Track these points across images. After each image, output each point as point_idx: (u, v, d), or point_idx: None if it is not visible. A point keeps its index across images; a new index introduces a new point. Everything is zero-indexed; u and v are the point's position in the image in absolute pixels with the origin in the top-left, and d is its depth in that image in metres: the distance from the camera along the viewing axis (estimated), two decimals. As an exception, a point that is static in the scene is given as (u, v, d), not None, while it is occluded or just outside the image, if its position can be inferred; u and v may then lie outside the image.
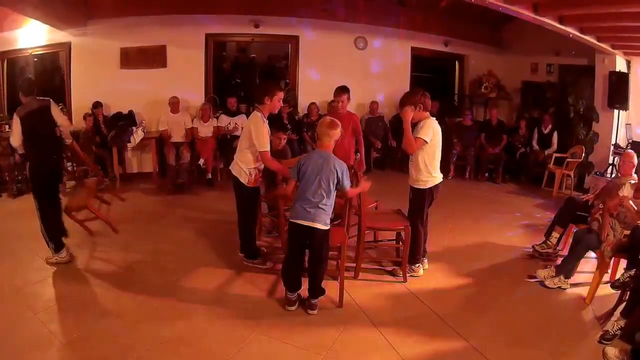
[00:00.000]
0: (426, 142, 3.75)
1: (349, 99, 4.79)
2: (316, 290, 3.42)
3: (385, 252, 4.56)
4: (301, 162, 3.33)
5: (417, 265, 4.09)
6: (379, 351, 2.99)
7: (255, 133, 3.73)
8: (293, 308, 3.44)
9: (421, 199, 3.91)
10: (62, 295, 3.54)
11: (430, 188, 3.86)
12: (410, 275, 4.02)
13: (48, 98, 4.05)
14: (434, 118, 3.86)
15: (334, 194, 3.31)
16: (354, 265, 4.01)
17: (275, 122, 6.90)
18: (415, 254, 4.04)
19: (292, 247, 3.40)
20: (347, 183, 3.30)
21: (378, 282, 3.97)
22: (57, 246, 4.00)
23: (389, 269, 4.16)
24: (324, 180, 3.22)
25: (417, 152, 3.79)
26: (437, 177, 3.88)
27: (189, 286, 3.77)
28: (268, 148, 3.75)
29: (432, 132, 3.75)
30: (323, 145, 3.37)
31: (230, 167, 4.04)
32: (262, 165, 3.94)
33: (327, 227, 3.29)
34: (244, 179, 3.89)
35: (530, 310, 3.58)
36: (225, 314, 3.38)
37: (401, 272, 4.00)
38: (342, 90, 4.74)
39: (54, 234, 4.00)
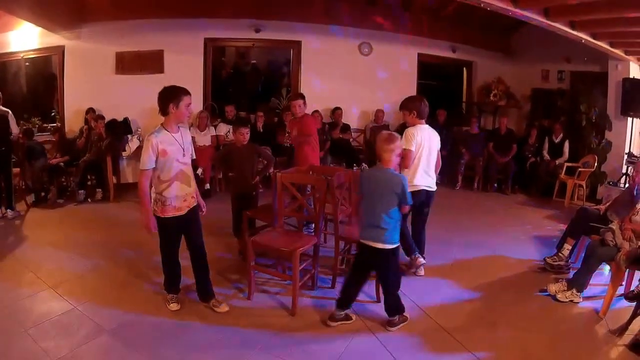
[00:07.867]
0: (412, 151, 3.86)
1: (304, 103, 4.87)
2: None
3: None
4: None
5: (415, 254, 4.08)
6: (385, 366, 2.88)
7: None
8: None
9: None
10: (53, 310, 3.41)
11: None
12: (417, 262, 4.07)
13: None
14: (426, 125, 3.97)
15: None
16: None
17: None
18: (407, 247, 4.04)
19: None
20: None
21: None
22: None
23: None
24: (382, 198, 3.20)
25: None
26: (420, 185, 3.92)
27: (182, 304, 3.56)
28: (146, 167, 3.24)
29: (414, 140, 3.86)
30: (383, 160, 3.19)
31: None
32: (173, 193, 3.30)
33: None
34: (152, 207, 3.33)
35: (541, 325, 3.45)
36: (221, 333, 3.23)
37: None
38: (298, 96, 4.99)
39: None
